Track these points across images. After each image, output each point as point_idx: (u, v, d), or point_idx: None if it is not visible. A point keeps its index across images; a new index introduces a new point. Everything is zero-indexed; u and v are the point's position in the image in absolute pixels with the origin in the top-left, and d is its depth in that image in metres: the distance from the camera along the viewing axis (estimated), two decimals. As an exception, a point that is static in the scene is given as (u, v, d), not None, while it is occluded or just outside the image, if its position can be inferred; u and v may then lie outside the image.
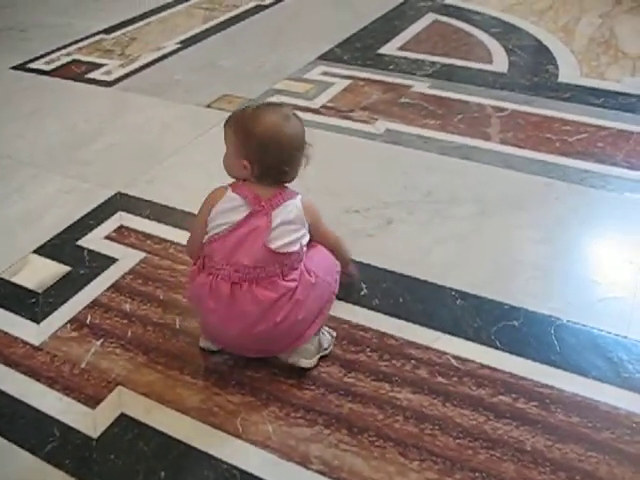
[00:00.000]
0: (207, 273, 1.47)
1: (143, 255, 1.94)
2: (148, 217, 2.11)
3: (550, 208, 2.12)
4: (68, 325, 1.71)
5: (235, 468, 1.35)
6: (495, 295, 1.78)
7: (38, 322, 1.72)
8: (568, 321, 1.69)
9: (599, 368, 1.56)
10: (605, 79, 2.96)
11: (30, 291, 1.82)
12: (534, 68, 3.07)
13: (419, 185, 2.24)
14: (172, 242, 1.99)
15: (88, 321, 1.72)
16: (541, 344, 1.63)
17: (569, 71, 3.03)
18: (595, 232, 2.04)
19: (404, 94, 2.84)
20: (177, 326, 1.69)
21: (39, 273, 1.89)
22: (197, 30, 3.60)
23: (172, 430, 1.43)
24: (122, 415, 1.47)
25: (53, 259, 1.94)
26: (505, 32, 3.49)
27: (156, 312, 1.74)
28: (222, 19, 3.75)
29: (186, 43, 3.45)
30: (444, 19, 3.70)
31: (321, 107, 2.75)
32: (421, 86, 2.91)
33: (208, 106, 2.80)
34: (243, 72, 3.12)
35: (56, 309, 1.76)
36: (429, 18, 3.71)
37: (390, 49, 3.30)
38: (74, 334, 1.68)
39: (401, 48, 3.31)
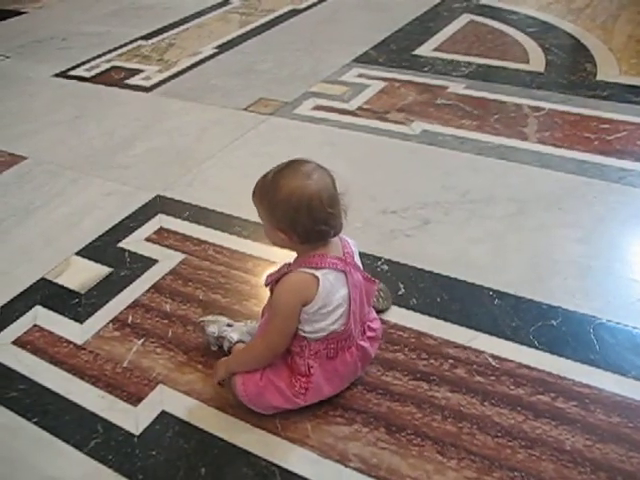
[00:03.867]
0: (327, 358, 1.43)
1: (183, 256, 1.98)
2: (187, 219, 2.15)
3: (588, 207, 2.10)
4: (110, 325, 1.75)
5: (274, 465, 1.37)
6: (533, 294, 1.76)
7: (81, 322, 1.77)
8: (607, 320, 1.67)
9: (639, 367, 1.54)
10: (644, 76, 2.92)
11: (73, 292, 1.87)
12: (572, 67, 3.04)
13: (456, 185, 2.24)
14: (211, 243, 2.03)
15: (130, 321, 1.76)
16: (580, 343, 1.61)
17: (607, 69, 2.98)
18: (634, 231, 2.01)
19: (440, 95, 2.83)
20: (200, 318, 1.71)
21: (82, 274, 1.94)
22: (234, 35, 3.65)
23: (212, 427, 1.45)
24: (163, 413, 1.50)
25: (95, 261, 1.99)
26: (542, 31, 3.46)
27: (196, 312, 1.77)
28: (258, 23, 3.80)
29: (223, 48, 3.50)
30: (480, 19, 3.69)
31: (357, 109, 2.76)
32: (457, 87, 2.90)
33: (245, 109, 2.83)
34: (279, 75, 3.15)
35: (98, 309, 1.80)
36: (464, 19, 3.69)
37: (425, 50, 3.30)
38: (116, 333, 1.72)
39: (437, 49, 3.31)
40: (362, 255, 1.51)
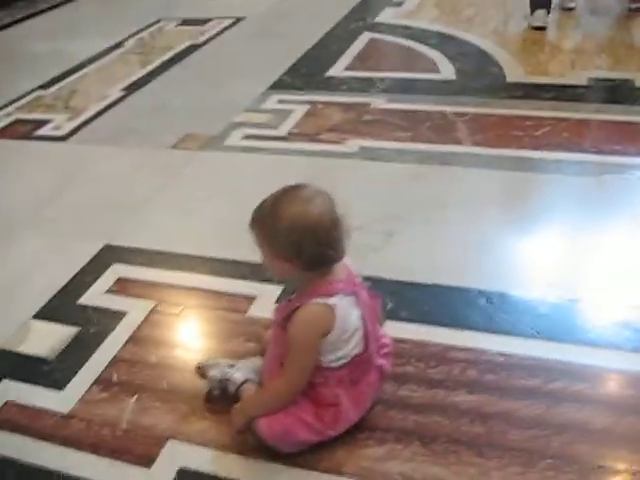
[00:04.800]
0: (351, 383, 1.38)
1: (153, 304, 1.86)
2: (145, 265, 2.03)
3: (535, 200, 2.19)
4: (94, 387, 1.61)
5: (320, 501, 1.30)
6: (513, 288, 1.80)
7: (61, 389, 1.61)
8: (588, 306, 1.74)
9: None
10: (549, 74, 3.10)
11: (41, 359, 1.71)
12: (480, 72, 3.18)
13: (408, 195, 2.26)
14: (178, 286, 1.92)
15: (115, 379, 1.62)
16: (576, 328, 1.67)
17: (513, 71, 3.15)
18: (590, 218, 2.11)
19: (365, 112, 2.88)
20: (198, 362, 1.60)
21: (47, 338, 1.78)
22: (138, 75, 3.53)
23: (242, 475, 1.37)
24: (182, 470, 1.39)
25: (57, 322, 1.83)
26: (442, 42, 3.60)
27: (188, 358, 1.67)
28: (160, 62, 3.69)
29: (130, 89, 3.37)
30: (379, 36, 3.79)
31: (288, 134, 2.74)
32: (379, 102, 2.95)
33: (173, 147, 2.74)
34: (197, 110, 3.08)
35: (76, 372, 1.65)
36: (365, 37, 3.78)
37: (337, 71, 3.35)
38: (104, 395, 1.58)
39: (348, 68, 3.37)
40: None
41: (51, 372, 1.67)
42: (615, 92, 2.90)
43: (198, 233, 2.18)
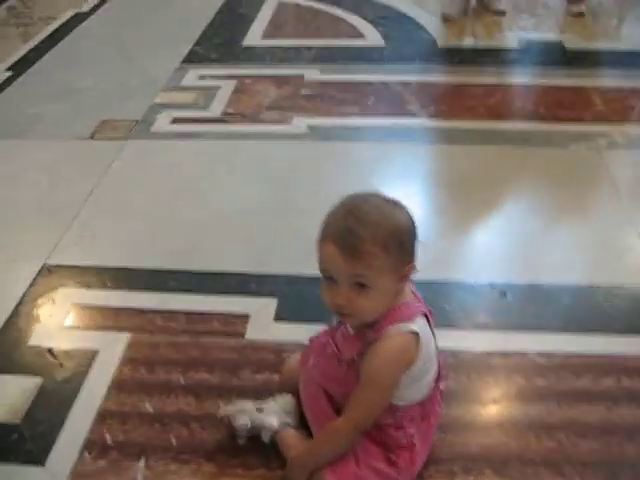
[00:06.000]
0: (422, 419, 1.20)
1: (126, 336, 1.55)
2: (100, 287, 1.71)
3: (517, 173, 2.09)
4: (86, 454, 1.30)
5: None
6: (523, 277, 1.69)
7: (42, 464, 1.29)
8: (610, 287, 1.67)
9: None
10: (479, 38, 3.00)
11: (4, 426, 1.37)
12: (409, 37, 3.02)
13: (373, 176, 2.08)
14: (152, 310, 1.63)
15: (109, 441, 1.32)
16: (602, 315, 1.58)
17: (442, 35, 3.02)
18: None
19: (301, 85, 2.63)
20: (221, 409, 1.34)
21: (2, 398, 1.43)
22: (23, 51, 3.01)
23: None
24: None
25: (9, 373, 1.48)
26: (356, 4, 3.37)
27: (189, 402, 1.40)
28: (45, 34, 3.18)
29: (18, 69, 2.86)
30: (287, 0, 3.51)
31: (222, 115, 2.45)
32: (312, 73, 2.72)
33: (91, 138, 2.35)
34: (107, 91, 2.67)
35: (56, 438, 1.33)
36: (273, 1, 3.48)
37: (254, 40, 3.06)
38: (102, 463, 1.28)
39: (265, 37, 3.08)
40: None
41: (22, 441, 1.33)
42: (548, 55, 2.85)
43: (151, 241, 1.87)
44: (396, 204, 1.09)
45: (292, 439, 1.25)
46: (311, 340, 1.31)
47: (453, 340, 1.47)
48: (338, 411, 1.19)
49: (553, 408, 1.37)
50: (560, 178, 2.07)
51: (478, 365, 1.46)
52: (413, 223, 1.08)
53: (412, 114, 2.41)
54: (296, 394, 1.31)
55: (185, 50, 2.95)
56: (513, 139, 2.25)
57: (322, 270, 1.07)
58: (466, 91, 2.54)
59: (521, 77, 2.65)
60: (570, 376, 1.43)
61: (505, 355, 1.48)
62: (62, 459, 1.30)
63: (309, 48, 2.93)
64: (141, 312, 1.62)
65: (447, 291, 1.66)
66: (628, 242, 1.81)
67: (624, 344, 1.50)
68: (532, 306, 1.62)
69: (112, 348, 1.53)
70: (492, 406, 1.38)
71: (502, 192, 2.03)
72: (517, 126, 2.33)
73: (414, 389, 1.16)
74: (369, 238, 1.01)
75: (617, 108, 2.40)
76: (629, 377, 1.43)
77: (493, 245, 1.83)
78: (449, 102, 2.49)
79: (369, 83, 2.63)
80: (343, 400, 1.17)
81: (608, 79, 2.60)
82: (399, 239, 1.04)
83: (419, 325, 1.11)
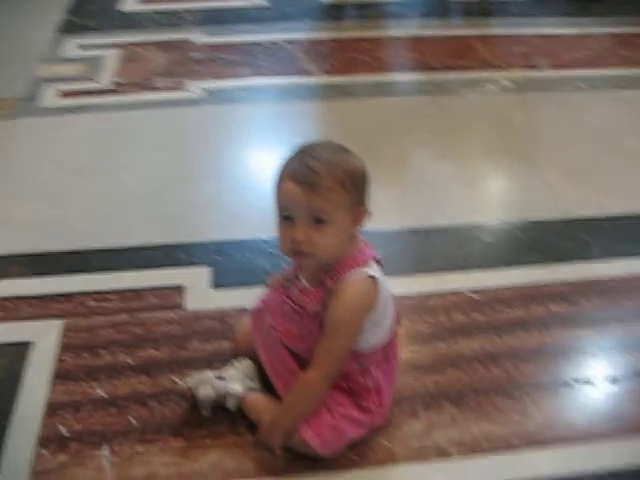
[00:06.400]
0: (385, 361, 1.24)
1: (60, 323, 1.48)
2: (20, 275, 1.60)
3: (410, 122, 2.17)
4: (43, 451, 1.23)
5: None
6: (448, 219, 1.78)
7: (-3, 469, 1.21)
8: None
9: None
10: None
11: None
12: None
13: (274, 135, 2.11)
14: (82, 293, 1.55)
15: (66, 433, 1.26)
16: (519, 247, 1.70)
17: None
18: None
19: (189, 49, 2.56)
20: (180, 382, 1.32)
21: None
22: None
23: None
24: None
25: None
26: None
27: (141, 381, 1.36)
28: None
29: None
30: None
31: (113, 85, 2.33)
32: (198, 37, 2.64)
33: (-27, 120, 2.16)
34: (-23, 67, 2.46)
35: (5, 441, 1.24)
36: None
37: (130, 5, 2.89)
38: (62, 457, 1.22)
39: (142, 1, 2.93)
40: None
41: (-33, 448, 1.24)
42: (431, 6, 2.93)
43: (63, 223, 1.77)
44: (349, 150, 1.12)
45: (260, 403, 1.25)
46: (262, 301, 1.31)
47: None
48: (302, 367, 1.21)
49: (494, 339, 1.46)
50: (457, 124, 2.17)
51: (417, 308, 1.52)
52: (365, 168, 1.12)
53: (306, 72, 2.42)
54: (254, 357, 1.31)
55: (57, 18, 2.76)
56: (406, 90, 2.33)
57: (280, 209, 1.09)
58: (356, 45, 2.58)
59: (407, 29, 2.71)
60: (504, 308, 1.53)
61: (441, 295, 1.56)
62: (17, 461, 1.22)
63: (190, 11, 2.83)
64: (70, 296, 1.54)
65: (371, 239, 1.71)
66: (532, 179, 1.94)
67: (546, 273, 1.62)
68: (457, 247, 1.70)
69: (46, 337, 1.44)
70: (440, 344, 1.44)
71: (404, 141, 2.10)
72: (409, 77, 2.41)
73: (376, 333, 1.18)
74: (327, 174, 1.05)
75: (500, 54, 2.53)
76: (555, 303, 1.55)
77: (405, 193, 1.90)
78: (340, 57, 2.52)
79: (258, 43, 2.60)
80: (308, 355, 1.18)
81: (489, 28, 2.72)
82: (353, 179, 1.08)
83: (374, 269, 1.14)
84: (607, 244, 1.71)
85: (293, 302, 1.20)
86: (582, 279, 1.61)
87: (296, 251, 1.09)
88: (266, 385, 1.28)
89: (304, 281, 1.18)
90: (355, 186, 1.08)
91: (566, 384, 1.36)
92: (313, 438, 1.16)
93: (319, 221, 1.06)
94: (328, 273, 1.13)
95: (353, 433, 1.20)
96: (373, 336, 1.19)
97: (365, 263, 1.14)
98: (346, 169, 1.07)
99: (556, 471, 1.20)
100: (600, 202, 1.85)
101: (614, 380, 1.37)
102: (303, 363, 1.21)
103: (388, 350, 1.24)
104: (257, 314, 1.31)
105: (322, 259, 1.10)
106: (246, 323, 1.35)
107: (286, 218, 1.08)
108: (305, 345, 1.19)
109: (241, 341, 1.36)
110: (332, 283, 1.12)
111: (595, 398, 1.34)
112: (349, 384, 1.21)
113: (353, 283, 1.11)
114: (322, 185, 1.04)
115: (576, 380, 1.37)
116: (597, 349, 1.44)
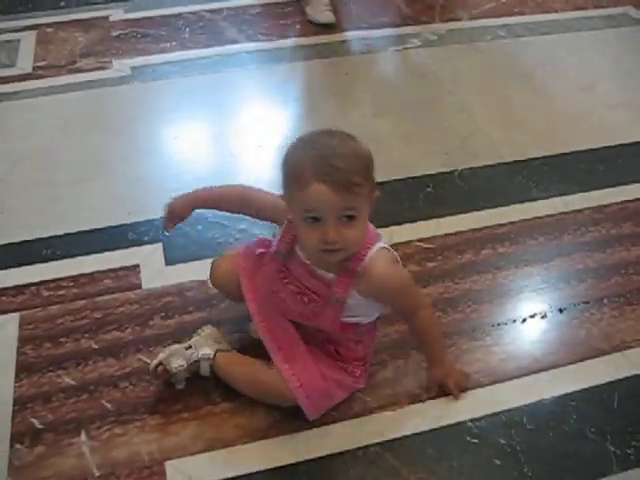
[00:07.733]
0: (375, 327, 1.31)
1: (15, 316, 1.44)
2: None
3: (344, 82, 2.19)
4: (18, 446, 1.21)
5: (378, 444, 1.20)
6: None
7: (-28, 467, 1.18)
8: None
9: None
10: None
11: None
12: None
13: (208, 107, 2.09)
14: (34, 284, 1.51)
15: (39, 425, 1.24)
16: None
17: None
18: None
19: (110, 27, 2.47)
20: (149, 360, 1.31)
21: None
22: None
23: (283, 458, 1.19)
24: (194, 486, 1.16)
25: None
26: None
27: (109, 363, 1.34)
28: None
29: None
30: None
31: (35, 69, 2.24)
32: (117, 13, 2.56)
33: None
34: None
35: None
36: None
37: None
38: (39, 449, 1.20)
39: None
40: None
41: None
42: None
43: (4, 212, 1.72)
44: (352, 136, 1.10)
45: (231, 357, 1.28)
46: (248, 247, 1.32)
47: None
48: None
49: (450, 284, 1.52)
50: (390, 79, 2.21)
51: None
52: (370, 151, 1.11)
53: (232, 40, 2.40)
54: (235, 298, 1.35)
55: (-40, 3, 2.62)
56: (336, 50, 2.34)
57: (307, 212, 1.05)
58: (276, 10, 2.56)
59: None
60: (454, 254, 1.59)
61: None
62: (-7, 455, 1.20)
63: (104, -14, 2.74)
64: (21, 288, 1.50)
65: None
66: (462, 126, 2.00)
67: (489, 217, 1.69)
68: (398, 200, 1.74)
69: (3, 332, 1.41)
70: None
71: (343, 101, 2.12)
72: (337, 37, 2.42)
73: (378, 306, 1.23)
74: (352, 170, 1.03)
75: (420, 9, 2.57)
76: (501, 244, 1.62)
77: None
78: (263, 24, 2.50)
79: (178, 15, 2.54)
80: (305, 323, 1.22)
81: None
82: (369, 167, 1.08)
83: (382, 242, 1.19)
84: (545, 184, 1.78)
85: (302, 285, 1.18)
86: (523, 219, 1.68)
87: (327, 250, 1.08)
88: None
89: (315, 268, 1.17)
90: (371, 173, 1.09)
91: (521, 319, 1.44)
92: (307, 404, 1.19)
93: (349, 217, 1.06)
94: (349, 259, 1.13)
95: (339, 397, 1.24)
96: (374, 310, 1.23)
97: (377, 238, 1.18)
98: (363, 159, 1.07)
99: (527, 401, 1.27)
100: (536, 143, 1.92)
101: (561, 310, 1.46)
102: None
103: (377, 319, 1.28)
104: (246, 263, 1.30)
105: (352, 252, 1.11)
106: (228, 263, 1.34)
107: (313, 220, 1.05)
108: (301, 319, 1.22)
109: (223, 281, 1.36)
110: (356, 265, 1.13)
111: (547, 329, 1.42)
112: (340, 350, 1.24)
113: (378, 256, 1.15)
114: (353, 182, 1.02)
115: (531, 315, 1.44)
116: (546, 283, 1.52)
